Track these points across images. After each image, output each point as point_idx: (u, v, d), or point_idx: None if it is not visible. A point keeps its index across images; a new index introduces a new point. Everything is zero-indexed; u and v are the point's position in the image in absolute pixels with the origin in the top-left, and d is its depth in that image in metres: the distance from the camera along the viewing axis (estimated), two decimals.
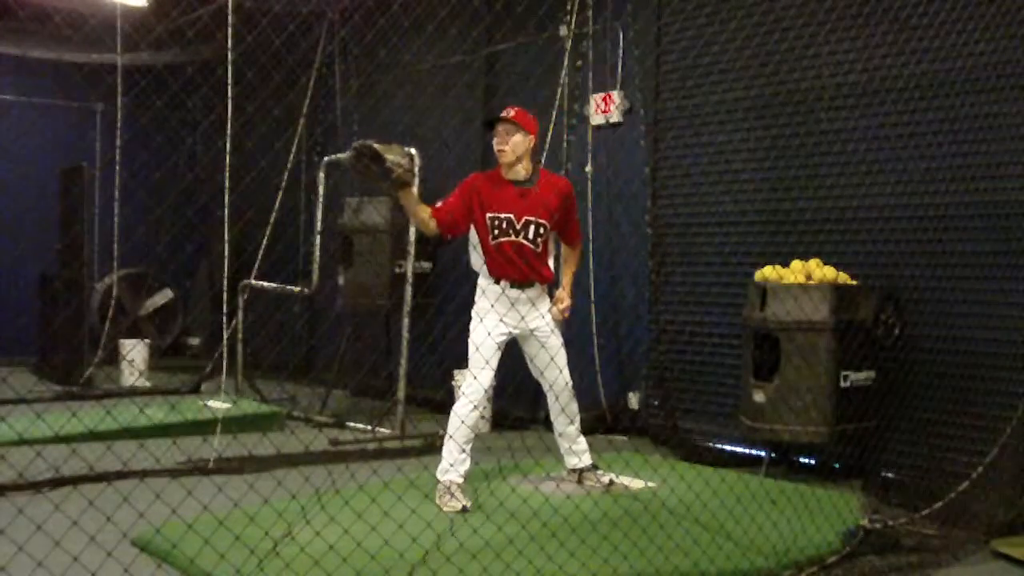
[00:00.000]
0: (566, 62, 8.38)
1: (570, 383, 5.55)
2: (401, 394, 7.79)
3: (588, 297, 8.44)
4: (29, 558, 3.96)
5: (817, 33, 6.66)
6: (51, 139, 11.65)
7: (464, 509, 5.05)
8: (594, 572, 4.21)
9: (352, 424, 8.08)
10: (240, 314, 8.88)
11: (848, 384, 6.04)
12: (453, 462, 5.24)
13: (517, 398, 8.59)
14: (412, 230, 7.88)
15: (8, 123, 11.70)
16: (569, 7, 8.35)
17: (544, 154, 8.27)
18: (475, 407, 5.26)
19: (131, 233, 10.85)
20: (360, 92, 10.73)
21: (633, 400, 8.24)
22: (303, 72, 10.17)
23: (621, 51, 8.32)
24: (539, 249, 5.38)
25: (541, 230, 5.34)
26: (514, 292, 5.33)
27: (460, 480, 5.24)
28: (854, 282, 6.30)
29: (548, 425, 8.27)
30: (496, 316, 5.32)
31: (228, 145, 6.56)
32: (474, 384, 5.27)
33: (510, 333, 5.38)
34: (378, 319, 9.19)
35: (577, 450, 5.74)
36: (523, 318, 5.37)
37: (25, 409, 7.35)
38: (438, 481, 5.29)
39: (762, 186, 7.14)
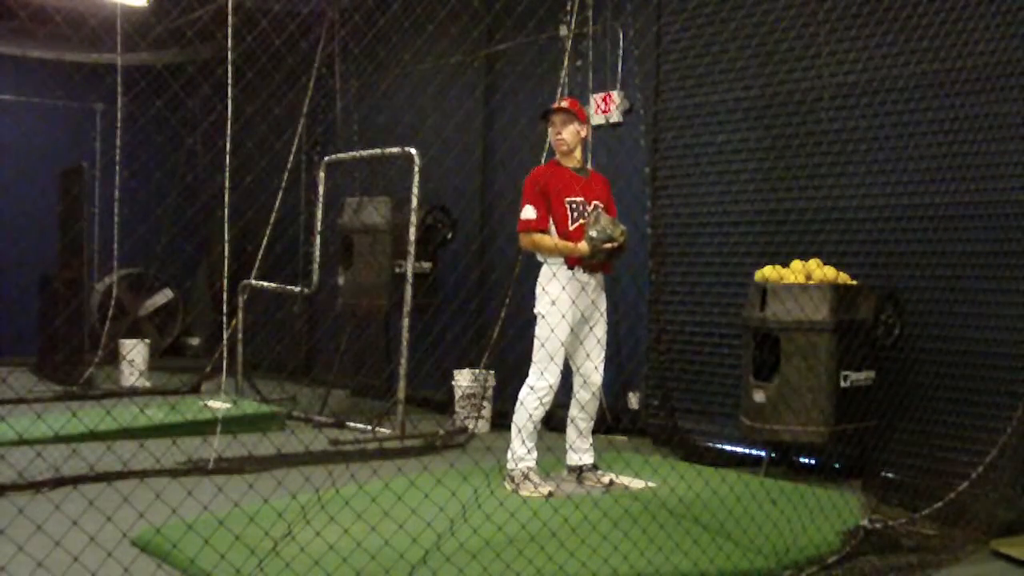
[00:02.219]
0: (566, 62, 8.38)
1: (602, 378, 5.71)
2: (401, 394, 7.79)
3: None
4: (29, 558, 3.96)
5: (817, 33, 6.66)
6: (51, 139, 11.65)
7: (550, 495, 5.24)
8: (594, 572, 4.21)
9: (352, 424, 8.08)
10: (240, 314, 8.88)
11: (848, 384, 6.04)
12: (524, 453, 5.49)
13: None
14: (412, 230, 7.89)
15: (8, 123, 11.71)
16: (569, 7, 8.35)
17: (544, 154, 8.28)
18: (541, 403, 5.48)
19: (131, 233, 10.86)
20: (360, 92, 10.73)
21: (633, 400, 8.24)
22: (303, 72, 10.16)
23: (621, 51, 8.32)
24: None
25: None
26: (585, 277, 5.56)
27: (535, 466, 5.48)
28: (854, 282, 6.30)
29: (548, 425, 8.31)
30: (568, 300, 5.46)
31: (228, 145, 6.55)
32: (543, 379, 5.46)
33: (581, 317, 5.54)
34: (378, 319, 9.19)
35: (583, 447, 5.81)
36: (592, 302, 5.57)
37: (25, 409, 7.35)
38: (509, 472, 5.50)
39: (762, 186, 7.14)
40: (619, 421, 8.20)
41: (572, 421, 5.80)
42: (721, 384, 7.30)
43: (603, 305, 5.66)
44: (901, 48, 6.29)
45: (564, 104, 5.69)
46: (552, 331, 5.40)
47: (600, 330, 5.63)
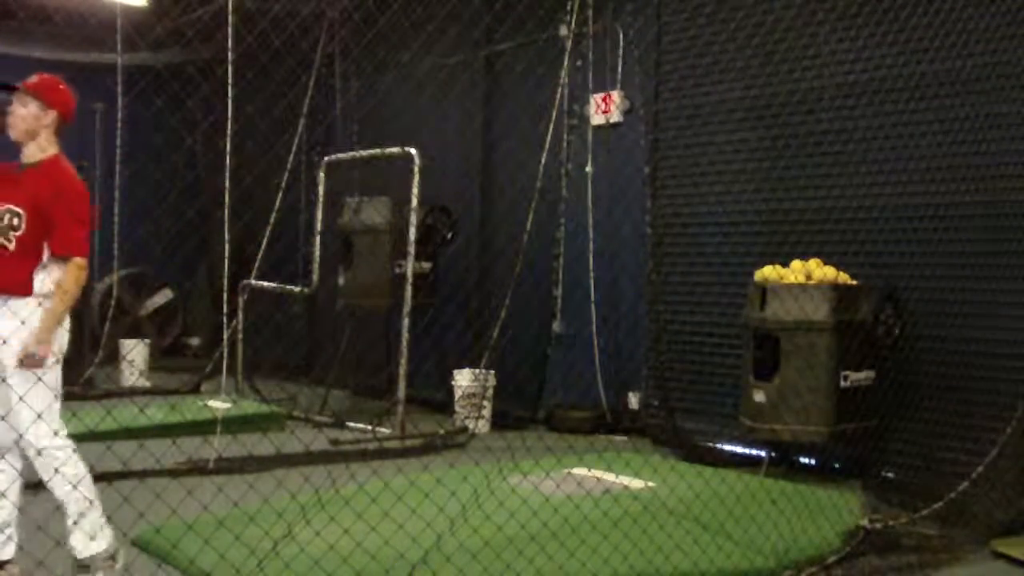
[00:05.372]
0: (566, 62, 8.38)
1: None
2: (401, 394, 7.79)
3: (588, 297, 8.45)
4: (29, 558, 3.96)
5: (817, 33, 6.66)
6: None
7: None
8: (594, 572, 4.21)
9: (352, 424, 8.08)
10: (240, 314, 8.87)
11: (848, 384, 6.04)
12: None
13: (517, 398, 8.60)
14: (412, 230, 7.89)
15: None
16: (569, 7, 8.35)
17: (544, 154, 8.29)
18: None
19: (131, 233, 10.85)
20: (360, 92, 10.73)
21: (633, 400, 8.24)
22: (303, 72, 10.16)
23: (621, 51, 8.33)
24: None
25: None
26: None
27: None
28: (854, 282, 6.30)
29: (548, 425, 8.32)
30: None
31: (228, 145, 6.55)
32: None
33: None
34: (378, 319, 9.18)
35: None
36: None
37: None
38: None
39: (762, 186, 7.14)
40: (619, 421, 8.20)
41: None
42: (721, 384, 7.30)
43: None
44: (901, 48, 6.29)
45: (31, 81, 4.48)
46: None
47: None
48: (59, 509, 4.22)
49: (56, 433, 3.98)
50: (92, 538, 3.99)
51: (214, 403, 7.92)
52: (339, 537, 4.21)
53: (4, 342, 3.91)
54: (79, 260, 4.11)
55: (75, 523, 3.97)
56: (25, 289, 4.02)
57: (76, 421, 6.40)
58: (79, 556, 3.99)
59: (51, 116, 4.32)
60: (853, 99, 6.58)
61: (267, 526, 4.46)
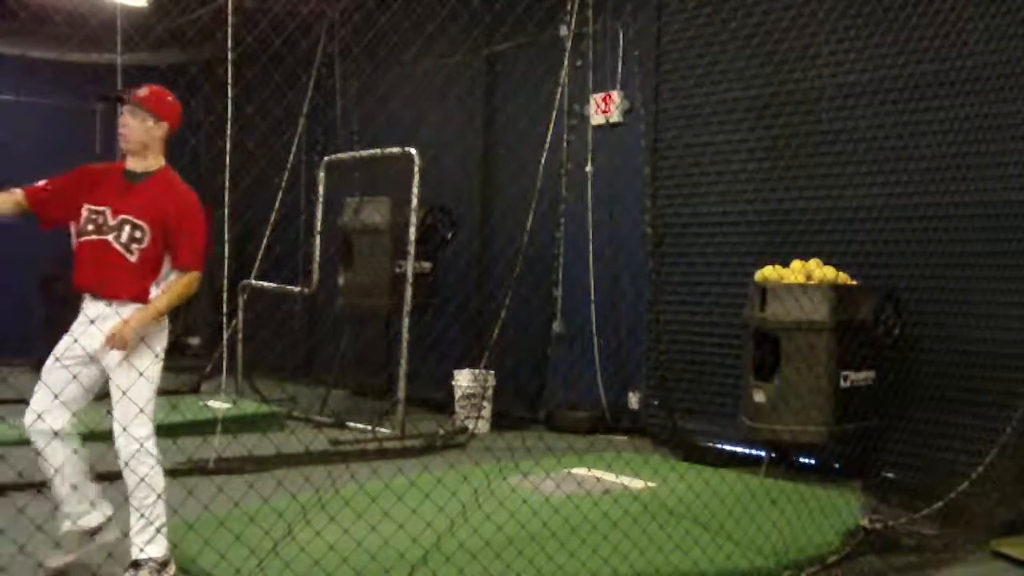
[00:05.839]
0: (566, 62, 8.38)
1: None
2: (401, 394, 7.80)
3: (588, 297, 8.45)
4: (29, 558, 3.96)
5: (817, 33, 6.66)
6: (51, 139, 11.64)
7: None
8: (594, 572, 4.21)
9: (352, 424, 8.08)
10: (240, 314, 8.87)
11: (848, 384, 6.04)
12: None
13: (517, 398, 8.60)
14: (412, 230, 7.89)
15: (8, 123, 11.70)
16: (569, 7, 8.35)
17: (544, 154, 8.29)
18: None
19: None
20: (360, 92, 10.73)
21: (633, 400, 8.24)
22: (303, 72, 10.16)
23: (621, 51, 8.33)
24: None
25: None
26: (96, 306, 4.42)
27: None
28: (854, 282, 6.30)
29: (548, 425, 8.32)
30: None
31: (228, 145, 6.55)
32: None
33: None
34: (378, 319, 9.18)
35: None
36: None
37: (25, 409, 7.33)
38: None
39: (762, 186, 7.14)
40: (619, 421, 8.21)
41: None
42: (721, 384, 7.30)
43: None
44: (901, 48, 6.29)
45: (142, 93, 4.35)
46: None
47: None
48: (59, 508, 4.23)
49: (150, 431, 4.12)
50: (151, 541, 4.10)
51: (214, 403, 7.92)
52: (339, 537, 4.21)
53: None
54: (196, 273, 4.28)
55: (141, 521, 4.08)
56: (143, 300, 4.21)
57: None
58: (136, 555, 4.09)
59: (163, 128, 4.38)
60: (853, 99, 6.58)
61: (267, 526, 4.46)
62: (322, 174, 8.88)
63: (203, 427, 6.90)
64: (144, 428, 4.09)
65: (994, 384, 5.81)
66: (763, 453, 6.56)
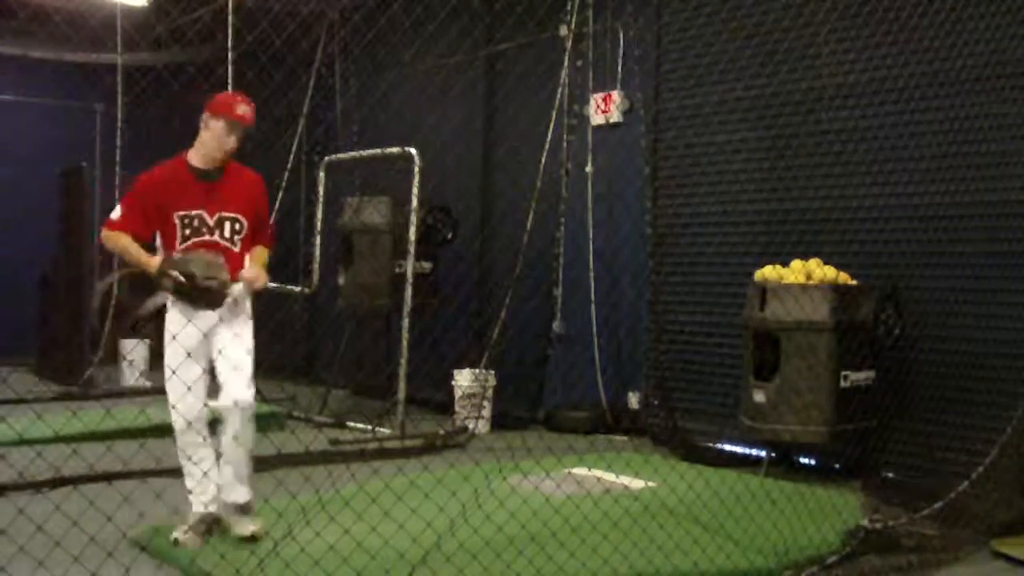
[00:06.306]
0: (566, 62, 8.38)
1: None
2: (401, 394, 7.80)
3: (588, 297, 8.45)
4: (29, 558, 3.96)
5: (817, 33, 6.66)
6: (51, 139, 11.64)
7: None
8: (594, 572, 4.21)
9: (352, 424, 8.08)
10: None
11: (848, 384, 6.04)
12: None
13: (517, 398, 8.60)
14: (412, 230, 7.88)
15: (8, 123, 11.70)
16: (569, 7, 8.35)
17: (544, 154, 8.28)
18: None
19: None
20: (360, 92, 10.73)
21: (633, 400, 8.24)
22: (303, 72, 10.16)
23: (621, 51, 8.33)
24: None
25: None
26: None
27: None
28: (854, 282, 6.30)
29: (548, 425, 8.32)
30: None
31: None
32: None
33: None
34: (378, 319, 9.18)
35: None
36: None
37: (25, 409, 7.34)
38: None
39: (762, 186, 7.14)
40: (619, 421, 8.20)
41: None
42: (721, 384, 7.30)
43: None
44: (901, 48, 6.29)
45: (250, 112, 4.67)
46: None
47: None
48: (59, 508, 4.23)
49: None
50: (249, 486, 4.59)
51: (214, 403, 7.91)
52: (339, 537, 4.21)
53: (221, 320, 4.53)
54: (270, 247, 4.87)
55: (246, 471, 4.55)
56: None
57: (76, 421, 6.42)
58: (242, 500, 4.56)
59: None
60: (853, 99, 6.57)
61: (267, 526, 4.46)
62: (322, 174, 8.88)
63: None
64: (252, 387, 4.56)
65: (994, 384, 5.81)
66: (763, 453, 6.56)
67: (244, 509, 4.59)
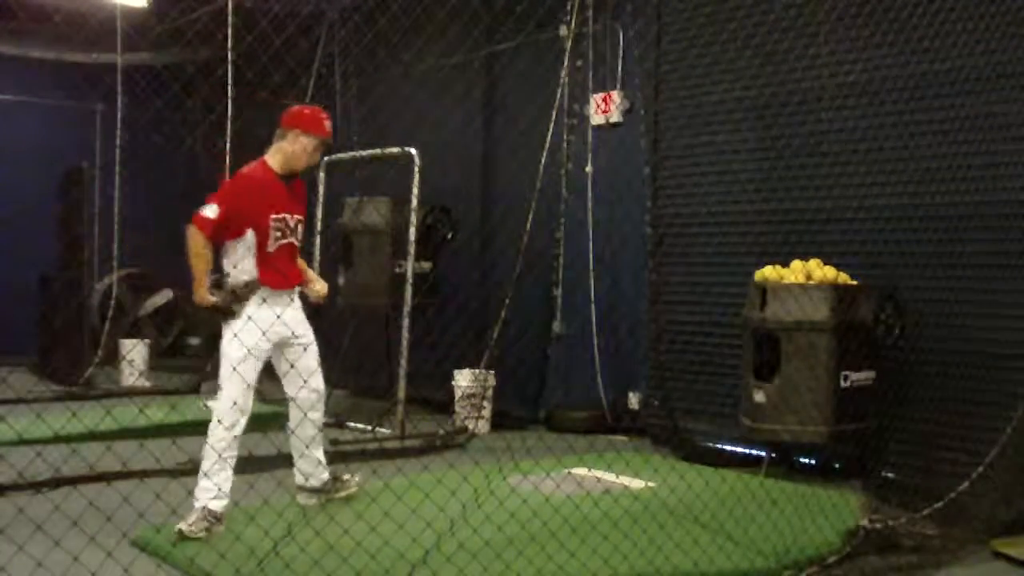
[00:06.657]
0: (566, 62, 8.37)
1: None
2: (401, 394, 7.79)
3: (588, 297, 8.45)
4: (29, 558, 3.96)
5: (817, 33, 6.66)
6: (51, 139, 11.64)
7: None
8: (594, 572, 4.21)
9: (352, 424, 8.08)
10: None
11: (848, 384, 6.04)
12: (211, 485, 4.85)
13: (517, 398, 8.60)
14: (412, 230, 7.88)
15: (8, 123, 11.70)
16: (569, 7, 8.35)
17: (544, 154, 8.28)
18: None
19: (131, 233, 10.85)
20: (360, 92, 10.73)
21: (633, 400, 8.24)
22: (303, 72, 10.15)
23: (621, 51, 8.33)
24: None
25: None
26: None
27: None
28: (854, 282, 6.30)
29: (548, 425, 8.31)
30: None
31: (228, 145, 6.56)
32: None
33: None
34: (378, 319, 9.18)
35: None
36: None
37: (25, 409, 7.34)
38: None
39: (762, 186, 7.13)
40: (619, 421, 8.20)
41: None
42: (721, 384, 7.29)
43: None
44: (901, 48, 6.29)
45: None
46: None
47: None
48: (59, 508, 4.23)
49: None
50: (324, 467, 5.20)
51: (214, 403, 7.90)
52: (339, 537, 4.21)
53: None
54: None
55: (319, 454, 5.19)
56: None
57: (76, 421, 6.42)
58: (321, 480, 5.18)
59: None
60: (853, 99, 6.57)
61: (267, 526, 4.46)
62: (322, 174, 8.88)
63: (203, 427, 6.87)
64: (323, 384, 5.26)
65: (994, 384, 5.81)
66: (763, 453, 6.56)
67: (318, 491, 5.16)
